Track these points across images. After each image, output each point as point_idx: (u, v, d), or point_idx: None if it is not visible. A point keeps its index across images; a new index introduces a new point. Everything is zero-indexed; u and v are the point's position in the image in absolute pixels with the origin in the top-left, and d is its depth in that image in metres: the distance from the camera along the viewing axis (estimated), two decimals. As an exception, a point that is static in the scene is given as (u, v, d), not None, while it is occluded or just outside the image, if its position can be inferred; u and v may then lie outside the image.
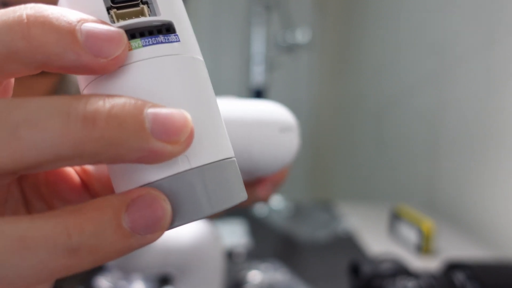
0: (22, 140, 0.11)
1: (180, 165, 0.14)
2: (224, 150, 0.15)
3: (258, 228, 0.80)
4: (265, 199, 0.37)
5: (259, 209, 0.92)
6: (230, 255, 0.66)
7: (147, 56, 0.14)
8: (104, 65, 0.13)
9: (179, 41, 0.15)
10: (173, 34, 0.15)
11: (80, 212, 0.12)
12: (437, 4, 1.00)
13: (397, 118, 1.25)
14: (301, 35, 1.27)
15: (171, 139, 0.13)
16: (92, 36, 0.13)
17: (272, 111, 0.26)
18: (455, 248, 0.73)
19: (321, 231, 0.78)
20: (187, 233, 0.38)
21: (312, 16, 2.11)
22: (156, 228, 0.13)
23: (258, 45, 1.24)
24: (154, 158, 0.13)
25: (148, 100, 0.13)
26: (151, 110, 0.13)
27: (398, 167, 1.23)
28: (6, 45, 0.12)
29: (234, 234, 0.73)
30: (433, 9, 1.02)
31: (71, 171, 0.19)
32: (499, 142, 0.75)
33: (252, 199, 0.36)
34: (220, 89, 0.64)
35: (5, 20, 0.12)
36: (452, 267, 0.49)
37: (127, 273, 0.36)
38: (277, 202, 0.96)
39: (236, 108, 0.24)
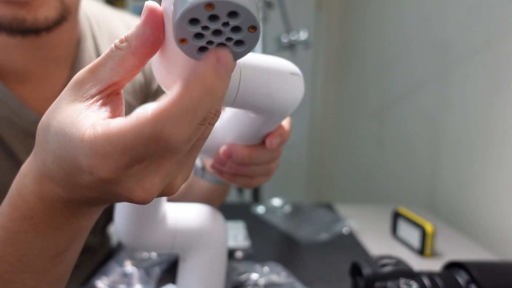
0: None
1: None
2: None
3: (259, 229, 0.80)
4: (275, 154, 0.38)
5: (260, 209, 0.91)
6: (230, 256, 0.66)
7: None
8: None
9: None
10: None
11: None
12: (438, 3, 0.99)
13: (398, 119, 1.24)
14: (301, 34, 1.27)
15: None
16: None
17: (282, 60, 0.32)
18: (457, 251, 0.73)
19: (322, 232, 0.78)
20: (192, 216, 0.41)
21: (312, 15, 2.11)
22: None
23: (258, 44, 1.24)
24: None
25: None
26: None
27: (399, 169, 1.22)
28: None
29: (235, 235, 0.72)
30: (434, 8, 1.02)
31: None
32: (501, 145, 0.75)
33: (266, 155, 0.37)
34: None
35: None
36: (455, 268, 0.49)
37: (139, 251, 0.40)
38: (278, 203, 0.95)
39: (255, 58, 0.30)
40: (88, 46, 0.54)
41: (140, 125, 0.19)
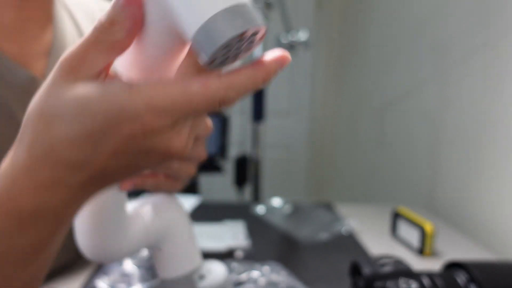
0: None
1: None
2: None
3: (258, 229, 0.80)
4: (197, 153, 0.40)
5: (259, 209, 0.91)
6: (230, 255, 0.66)
7: None
8: None
9: None
10: None
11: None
12: (438, 3, 1.00)
13: (398, 118, 1.24)
14: (301, 34, 1.27)
15: None
16: None
17: None
18: (457, 250, 0.73)
19: (322, 232, 0.78)
20: (157, 213, 0.42)
21: (312, 15, 2.11)
22: None
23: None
24: None
25: None
26: None
27: (399, 169, 1.22)
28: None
29: (234, 235, 0.72)
30: (434, 8, 1.02)
31: None
32: (501, 145, 0.75)
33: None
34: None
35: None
36: (455, 268, 0.49)
37: (118, 260, 0.40)
38: (278, 202, 0.95)
39: None
40: (59, 9, 0.56)
41: (213, 88, 0.21)
